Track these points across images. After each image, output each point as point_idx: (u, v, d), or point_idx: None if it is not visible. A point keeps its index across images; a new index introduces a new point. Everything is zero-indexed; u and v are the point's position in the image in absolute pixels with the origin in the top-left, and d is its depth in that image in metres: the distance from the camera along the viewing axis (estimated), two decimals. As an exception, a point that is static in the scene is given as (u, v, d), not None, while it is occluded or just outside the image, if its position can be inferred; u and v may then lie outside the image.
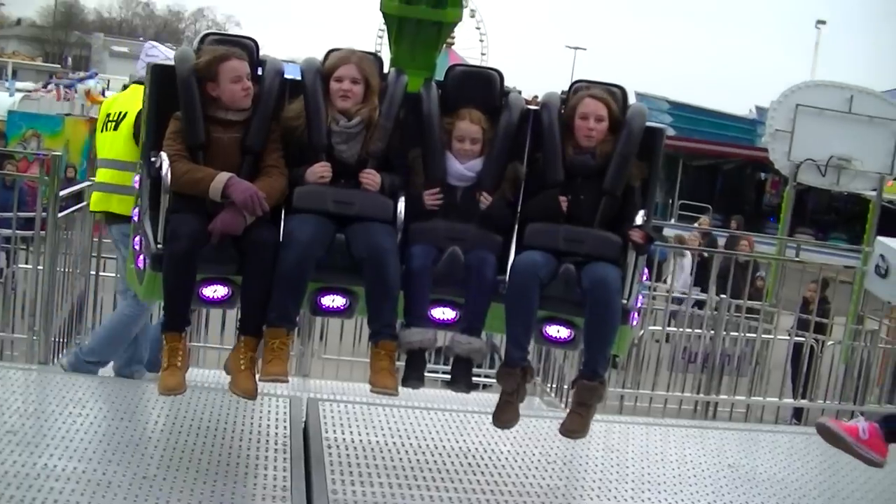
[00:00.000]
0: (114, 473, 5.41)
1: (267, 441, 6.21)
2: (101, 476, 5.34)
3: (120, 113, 7.58)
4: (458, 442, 6.75)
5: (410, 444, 6.54)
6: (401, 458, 6.26)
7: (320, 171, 5.48)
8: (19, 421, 6.02)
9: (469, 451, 6.58)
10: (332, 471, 5.85)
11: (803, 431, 8.73)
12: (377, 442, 6.50)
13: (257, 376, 5.35)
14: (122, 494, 5.15)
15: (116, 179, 7.42)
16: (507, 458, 6.52)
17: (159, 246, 5.24)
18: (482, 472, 6.20)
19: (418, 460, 6.26)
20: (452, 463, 6.32)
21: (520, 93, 6.10)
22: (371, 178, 5.53)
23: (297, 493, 5.48)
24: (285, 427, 6.50)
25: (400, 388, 5.50)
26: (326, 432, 6.50)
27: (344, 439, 6.42)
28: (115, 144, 7.54)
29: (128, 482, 5.32)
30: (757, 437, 8.15)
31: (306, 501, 5.41)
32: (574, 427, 5.55)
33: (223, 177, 5.25)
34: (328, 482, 5.67)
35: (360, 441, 6.45)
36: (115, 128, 7.57)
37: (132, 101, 7.37)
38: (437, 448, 6.56)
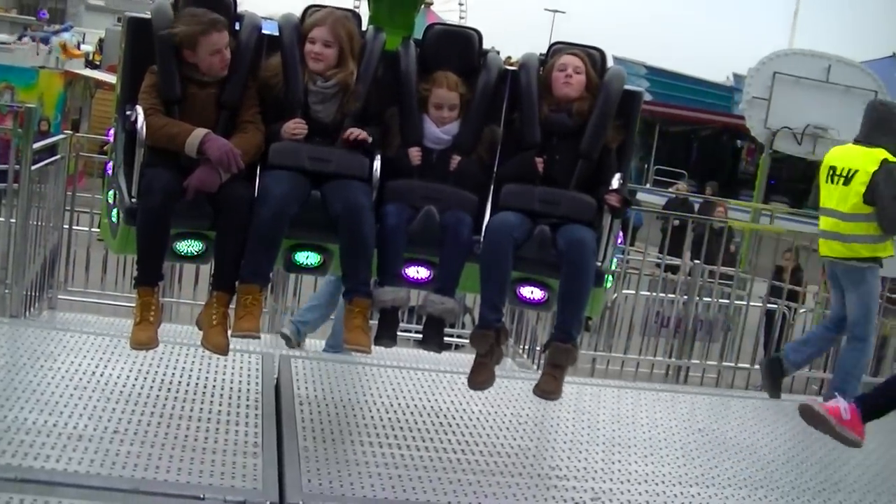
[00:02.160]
0: (84, 427, 5.38)
1: (238, 397, 6.19)
2: (71, 429, 5.31)
3: (850, 170, 8.23)
4: (429, 401, 6.75)
5: (382, 403, 6.54)
6: (372, 416, 6.25)
7: (293, 127, 5.44)
8: (-11, 373, 5.99)
9: (441, 410, 6.59)
10: (303, 427, 5.84)
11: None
12: (349, 399, 6.49)
13: (229, 332, 5.34)
14: (93, 448, 5.12)
15: (838, 228, 8.30)
16: (478, 418, 6.53)
17: (133, 200, 5.21)
18: (453, 432, 6.20)
19: (390, 418, 6.26)
20: (424, 422, 6.32)
21: (498, 53, 6.07)
22: (358, 133, 5.50)
23: (269, 450, 5.46)
24: (257, 383, 6.48)
25: (373, 347, 5.50)
26: (298, 389, 6.49)
27: (316, 396, 6.41)
28: (844, 198, 8.23)
29: (98, 436, 5.29)
30: (728, 403, 8.22)
31: (277, 458, 5.41)
32: (548, 388, 5.55)
33: (199, 133, 5.21)
34: (299, 439, 5.66)
35: (332, 398, 6.44)
36: (846, 182, 8.23)
37: (862, 159, 8.17)
38: (408, 406, 6.57)
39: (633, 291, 11.65)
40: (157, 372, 6.45)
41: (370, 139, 5.49)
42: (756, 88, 17.09)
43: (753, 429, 7.36)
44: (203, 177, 5.15)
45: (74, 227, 9.93)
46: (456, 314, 5.64)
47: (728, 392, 9.40)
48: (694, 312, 11.17)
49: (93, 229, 9.90)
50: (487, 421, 6.51)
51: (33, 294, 8.87)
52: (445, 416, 6.49)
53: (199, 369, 6.62)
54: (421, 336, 5.86)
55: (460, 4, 60.87)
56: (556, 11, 66.58)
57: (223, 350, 5.35)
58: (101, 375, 6.25)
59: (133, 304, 5.46)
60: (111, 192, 5.55)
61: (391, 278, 5.46)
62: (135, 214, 5.17)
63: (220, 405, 6.03)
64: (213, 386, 6.35)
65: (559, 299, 5.50)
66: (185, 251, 5.40)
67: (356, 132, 5.47)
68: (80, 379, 6.12)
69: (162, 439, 5.39)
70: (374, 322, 5.54)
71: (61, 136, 10.01)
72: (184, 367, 6.61)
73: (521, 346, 10.85)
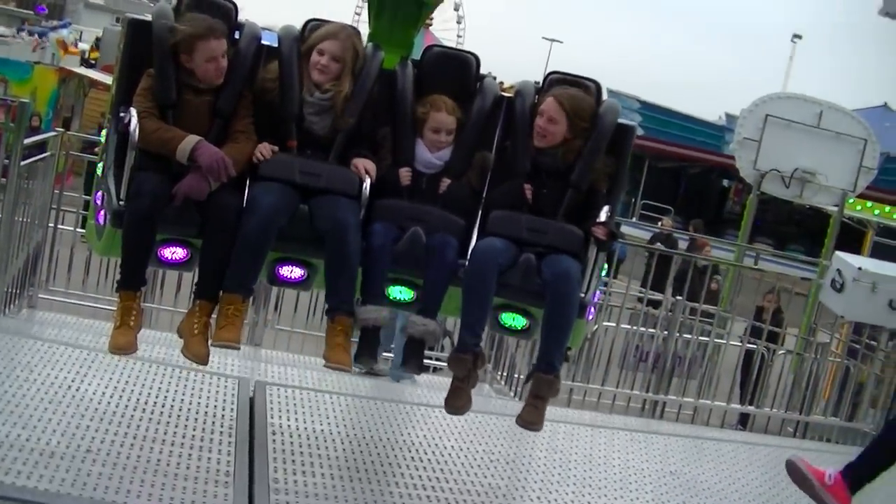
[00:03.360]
0: (57, 444, 5.38)
1: (213, 422, 6.18)
2: (43, 445, 5.31)
3: None
4: (402, 434, 6.75)
5: (355, 435, 6.54)
6: (344, 449, 6.26)
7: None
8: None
9: (413, 444, 6.58)
10: (274, 458, 5.84)
11: (747, 441, 8.81)
12: (322, 430, 6.48)
13: (210, 341, 5.32)
14: (65, 466, 5.11)
15: None
16: (450, 454, 6.52)
17: (121, 203, 5.19)
18: (424, 468, 6.21)
19: (361, 452, 6.26)
20: (395, 456, 6.32)
21: (495, 79, 6.08)
22: (366, 166, 5.51)
23: (240, 480, 5.47)
24: (232, 409, 6.48)
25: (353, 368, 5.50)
26: (272, 418, 6.48)
27: (289, 426, 6.41)
28: None
29: (70, 454, 5.29)
30: (702, 446, 8.19)
31: (248, 488, 5.39)
32: (531, 419, 5.54)
33: (192, 139, 5.21)
34: (270, 470, 5.66)
35: (306, 429, 6.44)
36: None
37: None
38: (381, 440, 6.57)
39: (614, 324, 11.65)
40: (132, 390, 6.43)
41: (373, 177, 5.49)
42: (747, 129, 17.11)
43: (725, 472, 7.37)
44: (192, 184, 5.14)
45: (59, 227, 9.87)
46: (437, 336, 5.65)
47: (703, 434, 9.36)
48: (673, 348, 11.18)
49: (78, 229, 9.86)
50: (459, 457, 6.51)
51: (14, 291, 8.81)
52: (417, 450, 6.49)
53: (176, 390, 6.61)
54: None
55: (459, 23, 60.97)
56: (554, 41, 66.91)
57: (203, 359, 5.33)
58: (77, 390, 6.23)
59: (114, 308, 5.44)
60: (100, 194, 5.54)
61: (374, 297, 5.45)
62: (121, 217, 5.15)
63: (195, 430, 6.02)
64: (189, 409, 6.35)
65: (543, 330, 5.49)
66: (170, 257, 5.38)
67: (361, 166, 5.48)
68: (56, 392, 6.11)
69: (134, 462, 5.38)
70: (354, 340, 5.54)
71: (52, 134, 9.97)
72: (160, 388, 6.59)
73: (500, 373, 10.83)
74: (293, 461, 5.86)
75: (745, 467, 7.59)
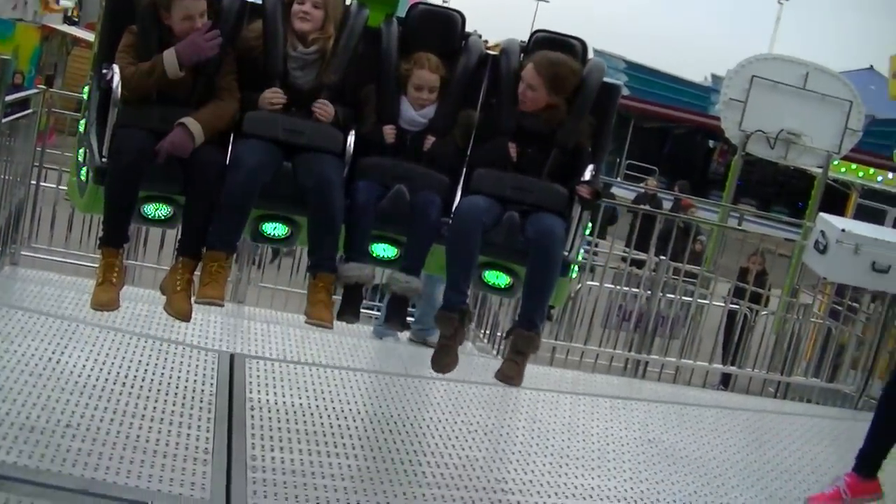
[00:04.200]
0: (37, 418, 5.38)
1: (192, 398, 6.19)
2: (24, 420, 5.31)
3: None
4: (381, 407, 6.77)
5: (333, 408, 6.55)
6: (322, 423, 6.26)
7: (272, 97, 5.42)
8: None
9: (392, 416, 6.60)
10: (252, 434, 5.85)
11: (728, 405, 8.85)
12: (300, 404, 6.49)
13: (193, 298, 5.32)
14: (45, 442, 5.12)
15: None
16: (429, 426, 6.55)
17: (104, 159, 5.17)
18: (402, 441, 6.23)
19: (339, 426, 6.27)
20: (374, 429, 6.35)
21: (480, 37, 6.06)
22: (324, 108, 5.48)
23: (219, 456, 5.49)
24: (212, 384, 6.50)
25: (334, 324, 5.50)
26: (251, 393, 6.50)
27: (268, 401, 6.42)
28: None
29: (50, 429, 5.29)
30: (682, 412, 8.22)
31: (227, 465, 5.40)
32: (510, 373, 5.54)
33: (169, 52, 5.20)
34: (248, 447, 5.67)
35: (284, 403, 6.45)
36: None
37: None
38: (359, 413, 6.59)
39: (598, 283, 11.67)
40: (113, 363, 6.43)
41: (330, 119, 5.47)
42: (733, 90, 17.10)
43: (705, 440, 7.40)
44: (176, 140, 5.12)
45: (42, 184, 9.82)
46: (419, 293, 5.66)
47: (684, 393, 9.40)
48: (656, 308, 11.21)
49: (60, 187, 9.82)
50: (438, 429, 6.53)
51: (-4, 247, 8.80)
52: (396, 423, 6.51)
53: (156, 364, 6.62)
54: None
55: (444, -15, 60.62)
56: (540, 0, 66.52)
57: (186, 316, 5.32)
58: (58, 363, 6.22)
59: (97, 265, 5.43)
60: (81, 150, 5.51)
61: (358, 255, 5.45)
62: (104, 174, 5.13)
63: (174, 405, 6.03)
64: (169, 384, 6.35)
65: (525, 287, 5.51)
66: (152, 214, 5.37)
67: (320, 109, 5.47)
68: (36, 365, 6.10)
69: (114, 437, 5.38)
70: (336, 297, 5.54)
71: (34, 91, 9.92)
72: (140, 361, 6.59)
73: (483, 331, 10.86)
74: (271, 437, 5.87)
75: (724, 433, 7.63)
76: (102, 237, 5.32)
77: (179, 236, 5.47)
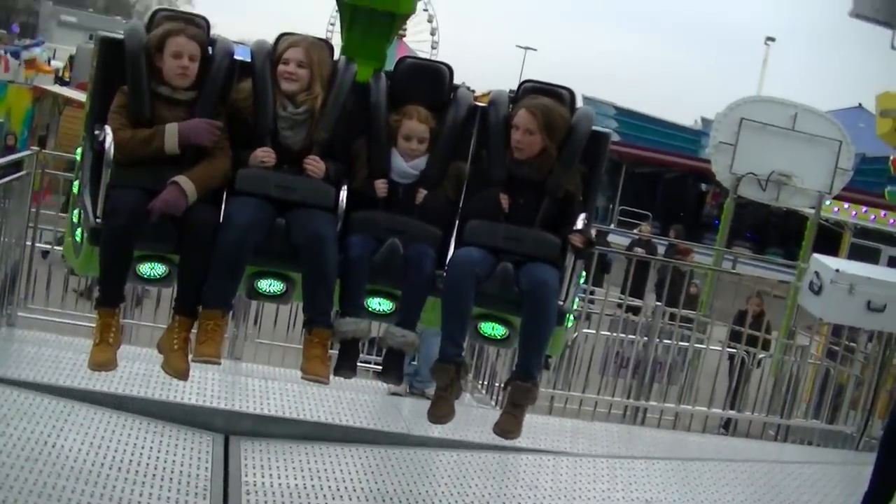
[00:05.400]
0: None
1: (188, 482, 6.16)
2: None
3: None
4: (377, 483, 6.74)
5: (329, 487, 6.53)
6: (318, 504, 6.25)
7: (262, 155, 5.44)
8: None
9: (389, 493, 6.58)
10: None
11: (727, 457, 8.79)
12: (296, 485, 6.47)
13: (190, 357, 5.31)
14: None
15: None
16: (426, 501, 6.52)
17: (98, 220, 5.19)
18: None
19: (335, 506, 6.25)
20: (371, 509, 6.30)
21: (468, 89, 6.09)
22: (315, 164, 5.50)
23: None
24: (207, 468, 6.47)
25: (332, 379, 5.49)
26: (246, 476, 6.48)
27: (263, 483, 6.40)
28: None
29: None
30: (683, 469, 8.17)
31: None
32: (508, 427, 5.54)
33: (171, 126, 5.25)
34: None
35: (280, 485, 6.43)
36: None
37: None
38: (355, 491, 6.55)
39: (594, 331, 11.67)
40: (108, 447, 6.41)
41: (321, 174, 5.49)
42: (723, 133, 17.21)
43: (704, 496, 7.35)
44: (168, 198, 5.13)
45: (37, 245, 9.84)
46: (416, 347, 5.65)
47: (685, 450, 9.32)
48: (654, 354, 11.20)
49: (56, 247, 9.83)
50: (435, 502, 6.50)
51: (-7, 309, 8.80)
52: (394, 500, 6.48)
53: (151, 447, 6.60)
54: (380, 368, 5.85)
55: (432, 35, 60.95)
56: (528, 48, 66.97)
57: (184, 375, 5.32)
58: (54, 446, 6.19)
59: (93, 324, 5.43)
60: (76, 211, 5.53)
61: (353, 309, 5.45)
62: (99, 235, 5.15)
63: (170, 490, 6.02)
64: (164, 468, 6.33)
65: (521, 338, 5.50)
66: (148, 274, 5.38)
67: (311, 166, 5.49)
68: (32, 449, 6.07)
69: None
70: (333, 352, 5.53)
71: (28, 153, 9.94)
72: (135, 444, 6.57)
73: (481, 382, 10.84)
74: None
75: (724, 487, 7.58)
76: (99, 297, 5.33)
77: (175, 295, 5.47)
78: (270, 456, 6.86)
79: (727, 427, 12.72)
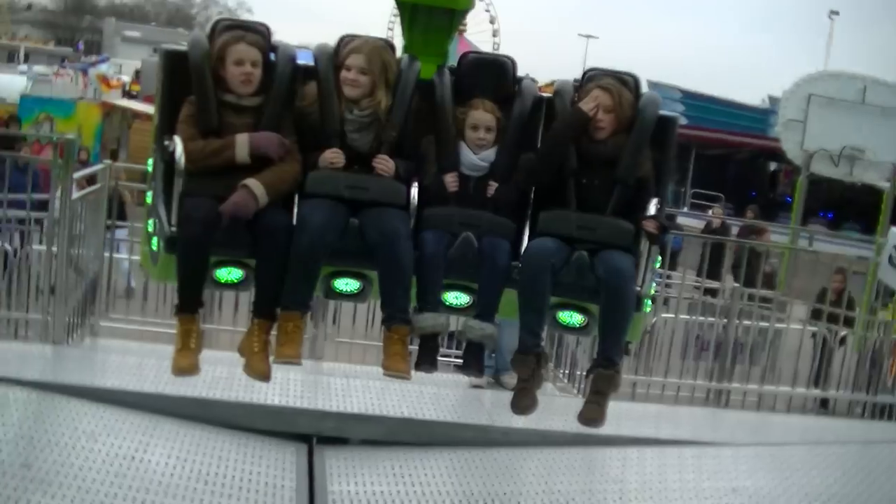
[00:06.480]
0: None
1: (274, 493, 6.19)
2: None
3: None
4: (461, 485, 6.72)
5: (415, 492, 6.54)
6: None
7: (331, 157, 5.47)
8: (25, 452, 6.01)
9: (476, 494, 6.56)
10: None
11: (815, 440, 8.67)
12: (381, 492, 6.48)
13: (271, 359, 5.36)
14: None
15: None
16: (514, 500, 6.51)
17: (173, 229, 5.25)
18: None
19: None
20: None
21: (533, 80, 6.08)
22: (384, 163, 5.52)
23: None
24: (292, 479, 6.49)
25: (414, 375, 5.50)
26: (332, 485, 6.50)
27: (349, 491, 6.42)
28: None
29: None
30: (770, 454, 8.06)
31: None
32: (592, 416, 5.53)
33: (242, 136, 5.30)
34: None
35: (365, 492, 6.45)
36: None
37: None
38: (440, 494, 6.55)
39: (673, 315, 11.60)
40: (195, 460, 6.47)
41: (392, 173, 5.51)
42: (791, 111, 17.04)
43: (791, 481, 7.25)
44: (238, 200, 5.17)
45: (115, 255, 9.98)
46: (495, 339, 5.64)
47: (770, 433, 9.20)
48: (734, 335, 11.11)
49: (133, 256, 9.97)
50: (522, 500, 6.49)
51: (74, 321, 8.93)
52: (482, 501, 6.46)
53: (236, 459, 6.64)
54: (461, 361, 5.86)
55: (493, 32, 60.88)
56: (590, 37, 66.83)
57: (265, 377, 5.38)
58: (141, 462, 6.26)
59: (174, 331, 5.49)
60: (151, 221, 5.60)
61: (431, 304, 5.46)
62: (175, 243, 5.21)
63: (257, 502, 6.05)
64: (250, 479, 6.36)
65: (600, 326, 5.49)
66: (225, 279, 5.44)
67: (381, 164, 5.51)
68: (121, 465, 6.14)
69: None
70: (413, 347, 5.55)
71: (101, 166, 10.09)
72: (220, 456, 6.62)
73: (562, 371, 10.81)
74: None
75: (812, 471, 7.48)
76: (178, 305, 5.40)
77: (253, 298, 5.52)
78: (354, 462, 6.89)
79: (825, 405, 12.53)
